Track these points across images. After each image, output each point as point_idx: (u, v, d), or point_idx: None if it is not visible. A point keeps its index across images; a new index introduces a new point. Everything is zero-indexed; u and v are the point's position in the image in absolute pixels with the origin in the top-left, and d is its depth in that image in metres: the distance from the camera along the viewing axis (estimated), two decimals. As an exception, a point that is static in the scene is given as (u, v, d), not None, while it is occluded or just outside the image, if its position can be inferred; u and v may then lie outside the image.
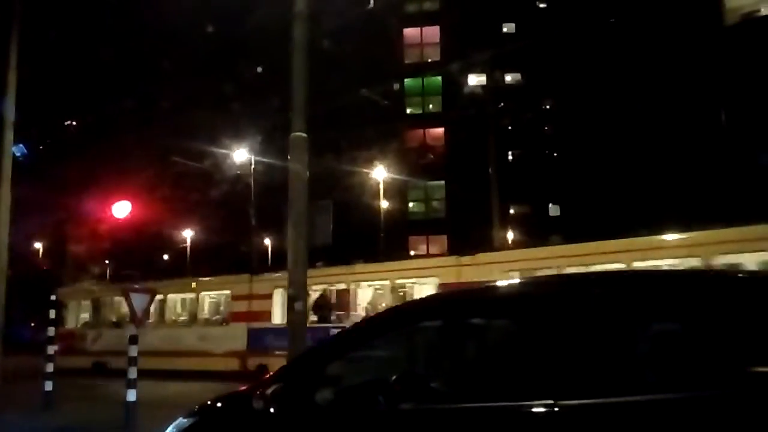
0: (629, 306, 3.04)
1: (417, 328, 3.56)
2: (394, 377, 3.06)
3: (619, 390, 2.72)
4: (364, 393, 3.20)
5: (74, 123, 38.32)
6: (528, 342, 3.02)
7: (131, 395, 9.66)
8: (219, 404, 3.63)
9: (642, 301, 3.05)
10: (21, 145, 23.68)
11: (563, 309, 3.02)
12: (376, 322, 4.01)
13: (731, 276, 4.12)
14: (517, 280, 4.13)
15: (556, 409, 2.74)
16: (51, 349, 11.96)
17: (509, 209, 37.06)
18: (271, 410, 3.27)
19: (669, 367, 2.83)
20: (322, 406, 3.28)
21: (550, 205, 41.14)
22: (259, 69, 38.15)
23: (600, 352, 2.89)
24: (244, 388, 3.59)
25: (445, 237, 39.64)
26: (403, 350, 3.76)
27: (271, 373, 3.64)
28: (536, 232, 36.65)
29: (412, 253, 38.15)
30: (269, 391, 3.31)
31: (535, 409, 2.77)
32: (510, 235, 36.53)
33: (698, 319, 2.90)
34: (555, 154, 40.98)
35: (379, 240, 33.62)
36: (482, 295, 3.61)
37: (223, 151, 33.04)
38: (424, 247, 40.94)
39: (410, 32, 42.14)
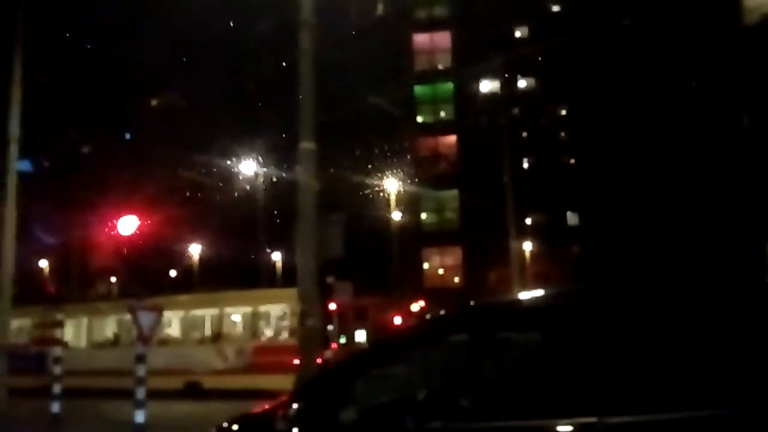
0: (677, 316, 2.84)
1: (444, 342, 3.42)
2: (421, 395, 2.95)
3: (668, 405, 2.57)
4: (391, 412, 3.06)
5: (80, 137, 37.90)
6: (568, 355, 2.85)
7: (139, 416, 9.66)
8: (236, 426, 3.54)
9: (691, 310, 2.86)
10: (26, 161, 23.18)
11: (606, 318, 2.88)
12: (402, 337, 3.86)
13: None
14: (552, 290, 3.82)
15: (601, 427, 2.59)
16: (58, 369, 11.96)
17: (526, 219, 36.19)
18: (294, 431, 3.18)
19: (720, 381, 2.62)
20: (347, 427, 3.15)
21: (569, 213, 40.27)
22: (267, 80, 37.65)
23: (646, 364, 2.74)
24: (263, 408, 3.50)
25: (459, 248, 38.89)
26: (428, 366, 3.63)
27: (293, 392, 3.61)
28: (554, 242, 35.82)
29: (425, 265, 37.40)
30: (292, 411, 3.22)
31: (577, 427, 2.63)
32: (527, 246, 35.73)
33: (750, 332, 2.70)
34: (572, 161, 40.26)
35: (391, 252, 32.87)
36: (514, 307, 3.47)
37: (232, 164, 32.52)
38: (438, 258, 40.15)
39: (420, 38, 41.47)
